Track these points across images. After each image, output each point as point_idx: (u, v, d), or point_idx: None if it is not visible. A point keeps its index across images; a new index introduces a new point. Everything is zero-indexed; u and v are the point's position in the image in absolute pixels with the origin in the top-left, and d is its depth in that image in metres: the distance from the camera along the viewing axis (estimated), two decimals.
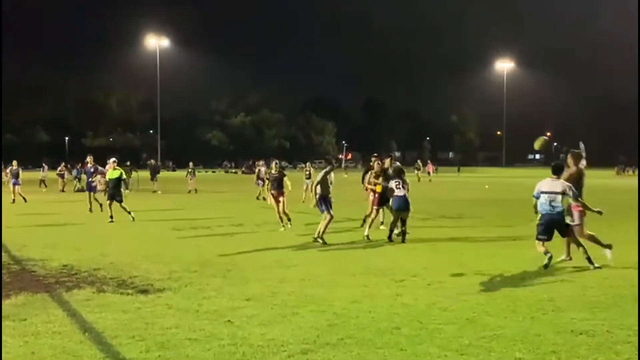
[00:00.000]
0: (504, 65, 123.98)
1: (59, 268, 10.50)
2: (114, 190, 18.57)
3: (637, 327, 6.76)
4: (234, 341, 6.34)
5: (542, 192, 10.74)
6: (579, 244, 10.87)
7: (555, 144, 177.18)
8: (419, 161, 57.96)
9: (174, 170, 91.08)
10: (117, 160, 19.50)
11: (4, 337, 6.41)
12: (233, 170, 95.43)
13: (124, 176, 19.29)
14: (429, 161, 59.35)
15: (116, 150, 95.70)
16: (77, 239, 14.29)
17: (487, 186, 44.39)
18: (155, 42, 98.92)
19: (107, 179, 19.06)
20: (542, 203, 10.77)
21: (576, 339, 6.41)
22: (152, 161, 48.31)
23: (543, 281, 9.51)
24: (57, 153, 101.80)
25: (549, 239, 10.77)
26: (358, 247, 13.25)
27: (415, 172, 53.38)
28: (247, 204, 26.76)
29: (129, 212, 18.48)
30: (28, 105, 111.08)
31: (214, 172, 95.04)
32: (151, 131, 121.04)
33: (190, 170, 36.74)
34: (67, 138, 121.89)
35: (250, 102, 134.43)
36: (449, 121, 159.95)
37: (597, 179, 60.77)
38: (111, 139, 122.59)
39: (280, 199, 16.57)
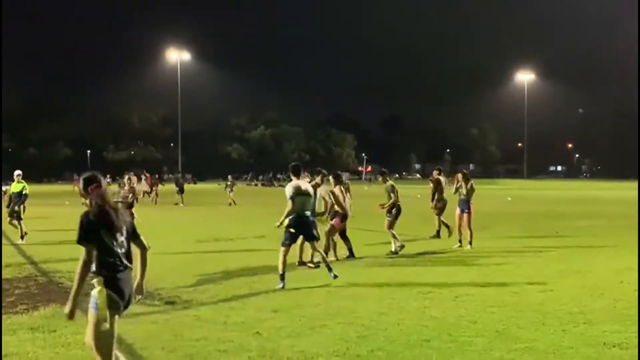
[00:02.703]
0: (525, 77, 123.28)
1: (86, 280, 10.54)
2: (15, 205, 16.97)
3: None
4: (262, 353, 6.33)
5: None
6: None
7: (577, 155, 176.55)
8: (434, 173, 57.32)
9: (195, 183, 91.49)
10: (21, 174, 17.37)
11: (34, 349, 6.46)
12: (254, 183, 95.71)
13: (26, 190, 17.28)
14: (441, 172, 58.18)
15: (137, 164, 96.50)
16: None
17: (509, 198, 44.09)
18: (177, 57, 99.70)
19: (11, 192, 17.35)
20: None
21: (609, 352, 6.33)
22: (178, 174, 48.96)
23: (571, 294, 9.41)
24: (79, 167, 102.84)
25: None
26: (380, 260, 13.20)
27: (430, 184, 52.87)
28: (270, 217, 26.78)
29: (23, 233, 16.80)
30: (50, 122, 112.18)
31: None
32: (172, 144, 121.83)
33: (229, 183, 37.73)
34: (89, 152, 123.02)
35: (269, 116, 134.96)
36: (469, 134, 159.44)
37: (620, 191, 60.25)
38: (132, 152, 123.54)
39: None
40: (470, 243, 14.91)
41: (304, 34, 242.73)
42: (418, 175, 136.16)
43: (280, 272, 10.03)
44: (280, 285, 9.84)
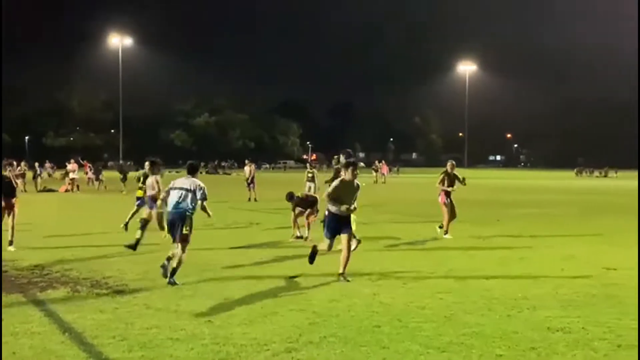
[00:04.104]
0: (466, 68, 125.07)
1: (31, 268, 10.34)
2: None
3: (611, 325, 6.94)
4: (215, 340, 6.33)
5: None
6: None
7: (515, 145, 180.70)
8: (376, 162, 57.80)
9: (136, 170, 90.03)
10: None
11: None
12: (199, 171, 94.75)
13: None
14: (382, 162, 58.79)
15: (77, 150, 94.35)
16: (44, 240, 14.06)
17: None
18: (118, 41, 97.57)
19: None
20: None
21: (553, 336, 6.55)
22: (121, 162, 47.97)
23: (515, 280, 9.68)
24: (17, 154, 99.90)
25: None
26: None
27: (374, 173, 53.45)
28: (217, 204, 26.60)
29: None
30: None
31: (177, 172, 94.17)
32: (113, 130, 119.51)
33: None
34: (27, 138, 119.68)
35: (214, 103, 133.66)
36: (413, 123, 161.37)
37: (558, 180, 62.00)
38: (72, 139, 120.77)
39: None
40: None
41: (254, 20, 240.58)
42: (362, 164, 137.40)
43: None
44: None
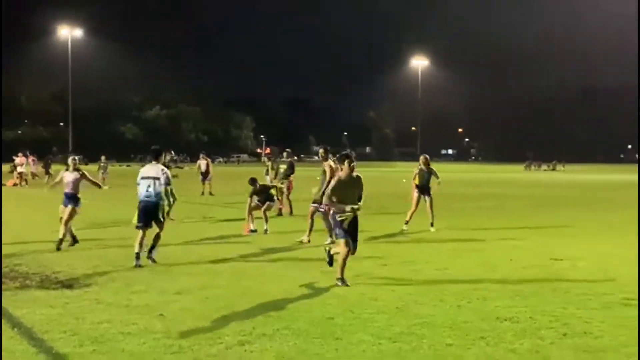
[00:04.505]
0: (419, 63, 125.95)
1: None
2: None
3: (557, 314, 7.13)
4: (168, 334, 6.31)
5: None
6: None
7: (466, 139, 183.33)
8: (331, 156, 57.90)
9: (86, 164, 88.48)
10: None
11: None
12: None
13: None
14: (337, 156, 58.59)
15: (26, 144, 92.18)
16: None
17: (404, 180, 45.23)
18: (68, 33, 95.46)
19: None
20: None
21: (502, 325, 6.71)
22: (70, 155, 46.91)
23: (466, 271, 9.86)
24: None
25: None
26: (284, 242, 13.32)
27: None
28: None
29: None
30: None
31: (128, 165, 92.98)
32: (62, 124, 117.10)
33: (102, 164, 34.83)
34: None
35: (166, 96, 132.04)
36: (367, 117, 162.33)
37: (508, 174, 63.08)
38: (20, 132, 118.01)
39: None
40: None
41: (207, 12, 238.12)
42: (316, 157, 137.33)
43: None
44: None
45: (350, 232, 8.73)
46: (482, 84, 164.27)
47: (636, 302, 7.68)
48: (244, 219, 14.80)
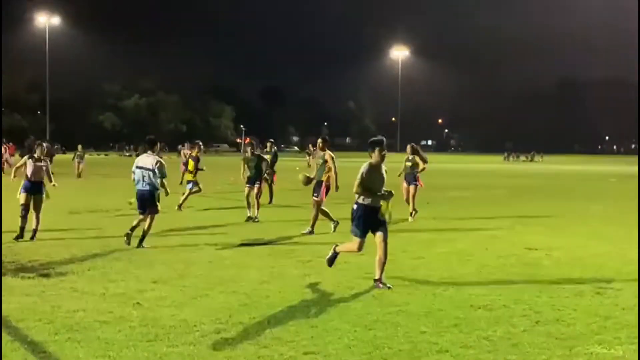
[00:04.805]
0: (399, 54, 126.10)
1: None
2: None
3: (530, 302, 7.24)
4: (144, 322, 6.32)
5: None
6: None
7: (446, 130, 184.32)
8: (310, 146, 57.92)
9: (64, 152, 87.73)
10: None
11: None
12: (127, 154, 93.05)
13: None
14: (317, 146, 58.50)
15: (2, 133, 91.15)
16: None
17: (385, 169, 45.32)
18: (45, 20, 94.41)
19: None
20: None
21: (475, 313, 6.80)
22: (47, 143, 46.40)
23: (441, 260, 9.96)
24: None
25: None
26: (262, 232, 13.35)
27: (307, 157, 53.57)
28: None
29: None
30: None
31: (106, 154, 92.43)
32: (39, 112, 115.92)
33: (78, 153, 34.35)
34: None
35: (145, 85, 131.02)
36: (347, 108, 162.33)
37: (487, 164, 63.57)
38: None
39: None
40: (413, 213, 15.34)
41: (184, 1, 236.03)
42: (296, 147, 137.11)
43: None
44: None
45: (374, 226, 8.10)
46: (462, 75, 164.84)
47: (608, 291, 7.82)
48: (222, 207, 14.83)
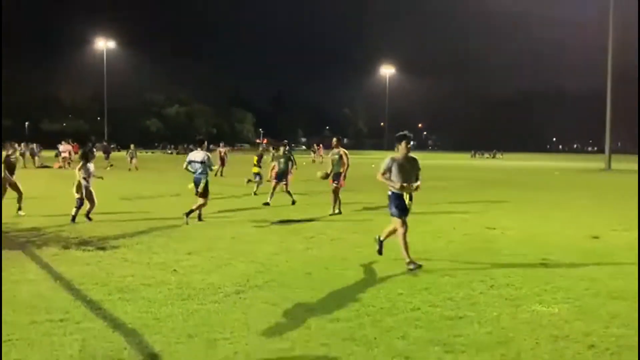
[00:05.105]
0: (387, 71, 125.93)
1: (28, 230, 10.14)
2: None
3: (487, 271, 7.26)
4: (180, 286, 6.39)
5: None
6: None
7: (425, 133, 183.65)
8: (314, 145, 58.08)
9: (118, 150, 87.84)
10: None
11: None
12: (170, 152, 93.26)
13: None
14: (320, 145, 58.76)
15: (69, 134, 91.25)
16: (42, 207, 13.70)
17: (373, 165, 45.32)
18: (104, 43, 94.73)
19: None
20: None
21: (442, 279, 6.84)
22: (104, 143, 46.76)
23: (418, 237, 9.90)
24: (17, 137, 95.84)
25: None
26: (276, 215, 13.38)
27: (312, 154, 54.09)
28: (186, 179, 26.32)
29: None
30: None
31: (152, 152, 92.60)
32: (99, 118, 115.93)
33: (130, 151, 34.43)
34: (27, 123, 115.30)
35: (183, 96, 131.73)
36: (343, 113, 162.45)
37: (457, 160, 63.36)
38: (64, 124, 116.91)
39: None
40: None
41: (208, 28, 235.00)
42: (303, 147, 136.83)
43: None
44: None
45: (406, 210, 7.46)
46: (439, 86, 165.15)
47: (550, 262, 7.85)
48: (240, 195, 14.84)
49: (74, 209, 11.35)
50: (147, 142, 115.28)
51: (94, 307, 5.54)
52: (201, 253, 8.27)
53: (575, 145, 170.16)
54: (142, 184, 22.72)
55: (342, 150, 13.15)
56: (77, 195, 11.41)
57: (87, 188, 11.47)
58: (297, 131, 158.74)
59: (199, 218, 11.60)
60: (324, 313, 5.42)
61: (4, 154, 12.51)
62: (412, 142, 7.45)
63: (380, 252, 7.88)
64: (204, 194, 11.33)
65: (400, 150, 7.46)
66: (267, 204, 14.56)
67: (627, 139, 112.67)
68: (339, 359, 4.28)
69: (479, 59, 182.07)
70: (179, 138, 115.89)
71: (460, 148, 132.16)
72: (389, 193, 7.54)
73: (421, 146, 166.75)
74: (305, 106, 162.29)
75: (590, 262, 7.85)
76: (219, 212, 13.39)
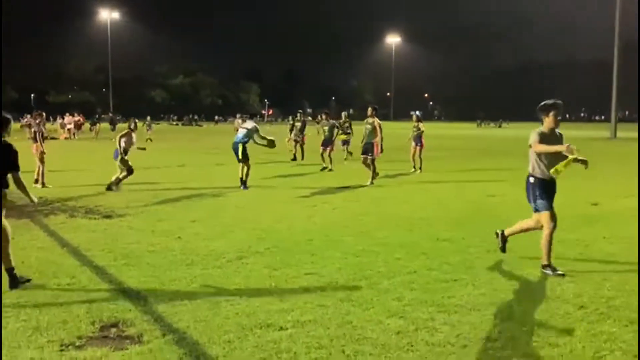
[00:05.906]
0: (393, 40, 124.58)
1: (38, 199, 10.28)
2: None
3: (484, 237, 7.36)
4: (184, 252, 6.53)
5: None
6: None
7: (431, 103, 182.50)
8: (319, 116, 58.04)
9: (125, 121, 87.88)
10: None
11: None
12: (174, 123, 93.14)
13: None
14: (325, 116, 58.46)
15: (75, 106, 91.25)
16: (48, 177, 13.82)
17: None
18: (107, 15, 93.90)
19: None
20: None
21: (440, 244, 6.96)
22: (110, 114, 46.88)
23: (419, 205, 10.08)
24: (23, 109, 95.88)
25: None
26: (279, 185, 13.50)
27: (316, 125, 53.81)
28: (191, 150, 26.44)
29: None
30: None
31: (158, 123, 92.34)
32: (104, 90, 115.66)
33: (148, 123, 35.31)
34: (32, 95, 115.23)
35: (188, 66, 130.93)
36: (351, 85, 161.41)
37: (463, 130, 63.10)
38: (70, 96, 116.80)
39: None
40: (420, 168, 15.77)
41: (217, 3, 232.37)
42: (310, 118, 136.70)
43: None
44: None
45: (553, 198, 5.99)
46: (444, 56, 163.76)
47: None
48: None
49: (116, 178, 11.76)
50: (153, 113, 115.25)
51: (100, 272, 5.69)
52: (205, 221, 8.41)
53: (582, 115, 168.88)
54: (146, 154, 22.79)
55: (376, 121, 13.02)
56: (122, 167, 11.80)
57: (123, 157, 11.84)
58: (304, 102, 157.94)
59: (244, 185, 11.98)
60: (323, 276, 5.56)
61: (32, 123, 12.75)
62: (560, 115, 5.92)
63: (503, 249, 6.42)
64: (244, 159, 11.86)
65: (546, 124, 5.90)
66: (325, 168, 15.68)
67: (634, 108, 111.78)
68: (335, 318, 4.43)
69: (486, 27, 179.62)
70: (183, 108, 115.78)
71: (465, 117, 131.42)
72: (531, 180, 6.07)
73: (427, 116, 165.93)
74: (312, 78, 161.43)
75: (586, 228, 7.95)
76: (222, 183, 13.49)
